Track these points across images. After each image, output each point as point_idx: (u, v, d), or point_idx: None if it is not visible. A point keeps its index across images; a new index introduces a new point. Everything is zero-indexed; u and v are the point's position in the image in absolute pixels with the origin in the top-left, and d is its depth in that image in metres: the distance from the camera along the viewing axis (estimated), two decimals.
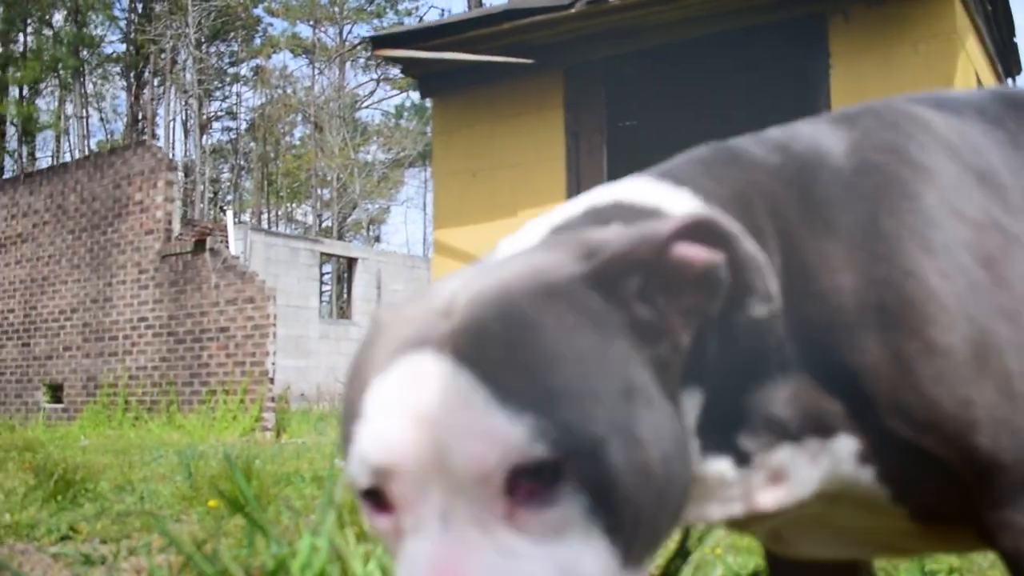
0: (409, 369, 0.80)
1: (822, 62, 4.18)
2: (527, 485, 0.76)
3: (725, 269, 0.82)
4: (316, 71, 43.28)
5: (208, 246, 10.15)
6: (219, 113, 40.78)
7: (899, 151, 0.94)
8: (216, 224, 15.38)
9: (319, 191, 41.95)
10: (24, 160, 31.70)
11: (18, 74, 29.76)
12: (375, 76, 43.58)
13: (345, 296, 18.41)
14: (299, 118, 43.38)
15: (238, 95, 43.72)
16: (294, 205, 46.21)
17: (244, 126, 44.03)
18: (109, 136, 36.97)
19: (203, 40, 31.43)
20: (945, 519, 0.94)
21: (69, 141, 33.48)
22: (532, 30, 4.50)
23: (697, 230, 0.82)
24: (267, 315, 9.65)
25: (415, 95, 42.98)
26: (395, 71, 41.21)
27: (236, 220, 14.87)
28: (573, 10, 4.26)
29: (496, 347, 0.78)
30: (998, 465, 0.87)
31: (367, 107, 43.88)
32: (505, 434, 0.75)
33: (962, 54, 4.09)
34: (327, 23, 41.45)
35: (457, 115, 5.14)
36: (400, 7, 37.77)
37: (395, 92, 43.73)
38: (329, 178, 38.05)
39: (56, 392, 11.71)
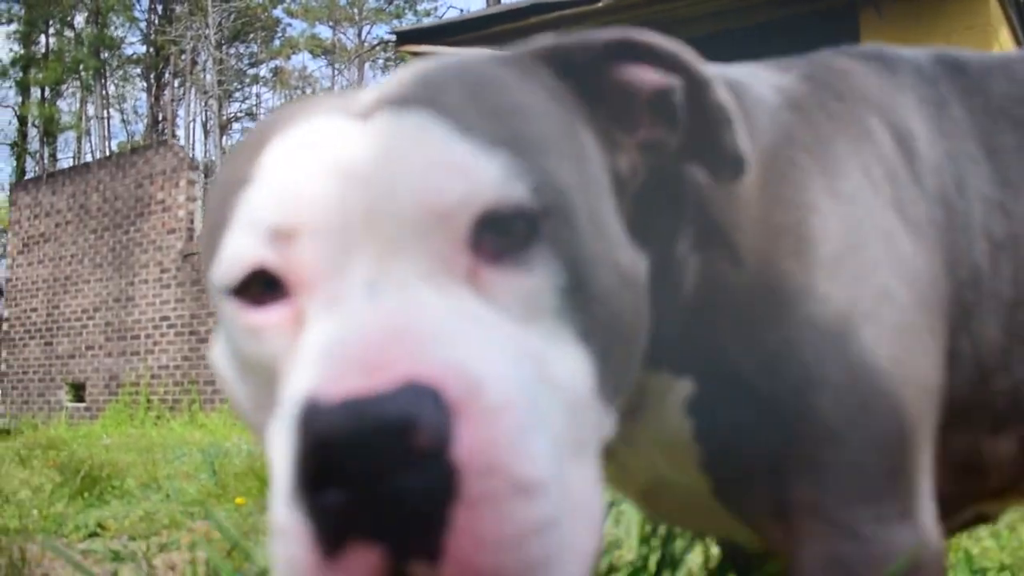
0: (323, 126, 0.65)
1: None
2: (495, 241, 0.62)
3: (682, 99, 0.77)
4: (335, 72, 43.49)
5: None
6: (239, 114, 41.00)
7: (817, 101, 0.92)
8: None
9: None
10: (46, 161, 31.95)
11: (40, 75, 29.98)
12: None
13: None
14: None
15: (258, 96, 43.99)
16: None
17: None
18: (130, 137, 37.24)
19: (223, 41, 31.56)
20: (743, 505, 0.87)
21: (91, 142, 33.69)
22: (558, 24, 4.47)
23: (645, 51, 0.77)
24: None
25: None
26: None
27: None
28: (600, 4, 4.23)
29: (453, 93, 0.66)
30: (826, 432, 0.80)
31: None
32: (476, 167, 0.61)
33: (995, 46, 4.03)
34: (346, 24, 41.60)
35: None
36: (419, 7, 37.80)
37: None
38: None
39: (78, 391, 11.77)
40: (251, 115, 44.77)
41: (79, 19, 31.78)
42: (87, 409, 11.48)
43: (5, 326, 12.54)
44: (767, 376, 0.81)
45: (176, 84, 34.87)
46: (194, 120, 37.11)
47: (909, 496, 0.80)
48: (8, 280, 12.76)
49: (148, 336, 10.91)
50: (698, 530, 1.13)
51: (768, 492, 0.82)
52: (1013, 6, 4.80)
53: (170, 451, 7.34)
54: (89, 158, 32.99)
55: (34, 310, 12.33)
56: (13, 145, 36.28)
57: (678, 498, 0.92)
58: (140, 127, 38.83)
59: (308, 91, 43.76)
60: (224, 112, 36.30)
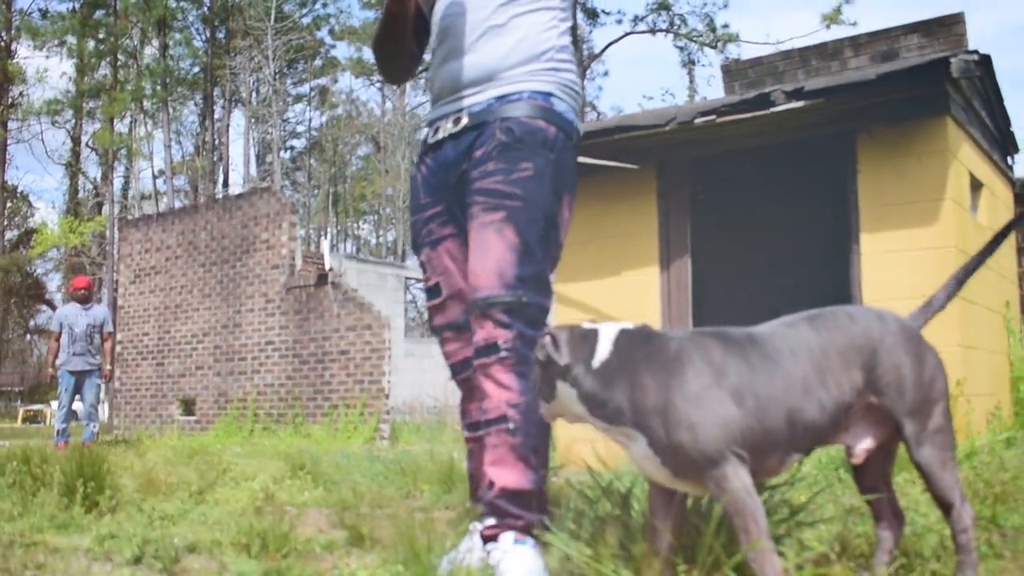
0: None
1: (851, 169, 5.63)
2: None
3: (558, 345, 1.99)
4: (380, 93, 45.12)
5: (329, 280, 11.76)
6: (284, 135, 42.59)
7: (685, 350, 2.08)
8: (315, 253, 17.06)
9: (384, 209, 43.74)
10: (99, 183, 33.84)
11: (107, 104, 31.85)
12: None
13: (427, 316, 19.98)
14: (363, 139, 45.28)
15: (304, 116, 45.68)
16: (355, 222, 48.14)
17: (305, 145, 46.09)
18: (184, 157, 39.00)
19: (279, 72, 33.33)
20: (681, 476, 2.01)
21: (152, 167, 35.44)
22: (636, 140, 6.01)
23: (559, 331, 2.03)
24: (383, 340, 11.22)
25: None
26: None
27: (332, 249, 16.49)
28: (667, 128, 5.76)
29: None
30: (696, 452, 1.93)
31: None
32: None
33: (954, 163, 5.48)
34: None
35: (577, 199, 6.66)
36: None
37: None
38: (392, 195, 39.65)
39: (188, 406, 13.40)
40: (296, 135, 46.58)
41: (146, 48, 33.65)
42: (197, 422, 13.10)
43: (119, 348, 14.19)
44: (667, 429, 2.03)
45: (225, 105, 36.46)
46: (244, 140, 38.88)
47: (726, 469, 1.97)
48: (121, 307, 14.44)
49: (254, 358, 12.50)
50: (665, 485, 2.21)
51: (691, 471, 2.19)
52: (976, 124, 6.27)
53: (310, 456, 8.85)
54: (163, 185, 34.79)
55: (146, 334, 13.98)
56: (67, 165, 38.27)
57: (657, 474, 2.11)
58: (189, 147, 40.70)
59: (353, 112, 45.50)
60: (272, 132, 37.89)
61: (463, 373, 2.72)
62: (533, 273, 2.43)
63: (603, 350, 2.05)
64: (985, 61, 6.09)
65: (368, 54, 43.14)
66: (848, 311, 2.17)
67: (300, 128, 46.57)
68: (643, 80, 63.56)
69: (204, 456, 8.38)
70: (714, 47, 30.33)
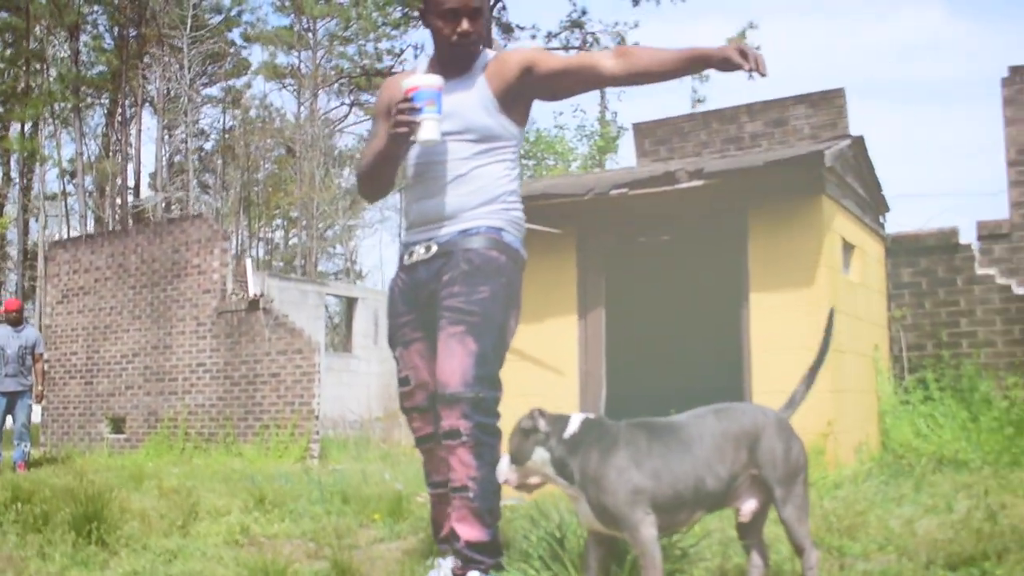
0: None
1: (743, 237, 6.56)
2: None
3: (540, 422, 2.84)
4: (292, 96, 45.15)
5: (261, 306, 12.32)
6: (194, 136, 42.19)
7: (621, 436, 2.89)
8: (239, 270, 17.47)
9: (293, 214, 43.83)
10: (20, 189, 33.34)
11: (20, 110, 31.48)
12: (347, 101, 45.61)
13: (346, 332, 20.50)
14: (275, 143, 45.25)
15: (215, 118, 45.35)
16: (267, 226, 48.08)
17: (215, 146, 45.83)
18: (91, 159, 38.49)
19: (194, 80, 33.31)
20: (608, 526, 2.83)
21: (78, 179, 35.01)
22: (558, 205, 6.84)
23: (544, 411, 2.88)
24: (313, 364, 11.84)
25: None
26: (367, 96, 43.32)
27: (255, 267, 16.99)
28: (586, 197, 6.61)
29: None
30: (616, 510, 2.76)
31: (339, 130, 45.43)
32: None
33: (829, 233, 6.45)
34: (300, 48, 42.95)
35: None
36: (380, 46, 39.29)
37: (367, 118, 45.82)
38: (302, 200, 39.77)
39: (118, 424, 13.77)
40: (203, 134, 46.23)
41: (57, 50, 33.23)
42: (127, 440, 13.49)
43: (46, 367, 14.45)
44: (598, 492, 2.83)
45: (130, 103, 35.99)
46: (147, 137, 38.59)
47: (637, 524, 2.80)
48: (48, 326, 14.71)
49: (185, 379, 12.97)
50: (600, 532, 3.01)
51: (613, 523, 3.00)
52: (850, 195, 7.27)
53: (247, 479, 9.40)
54: (70, 186, 34.38)
55: (74, 353, 14.28)
56: None
57: (593, 524, 2.94)
58: (94, 146, 40.09)
59: (264, 115, 45.45)
60: (177, 132, 37.51)
61: (426, 445, 3.45)
62: (487, 374, 3.18)
63: (572, 428, 2.88)
64: (859, 141, 7.10)
65: (282, 59, 43.25)
66: (741, 407, 3.04)
67: (210, 130, 46.34)
68: None
69: (154, 481, 8.91)
70: None
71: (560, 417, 2.91)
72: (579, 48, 32.48)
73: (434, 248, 3.29)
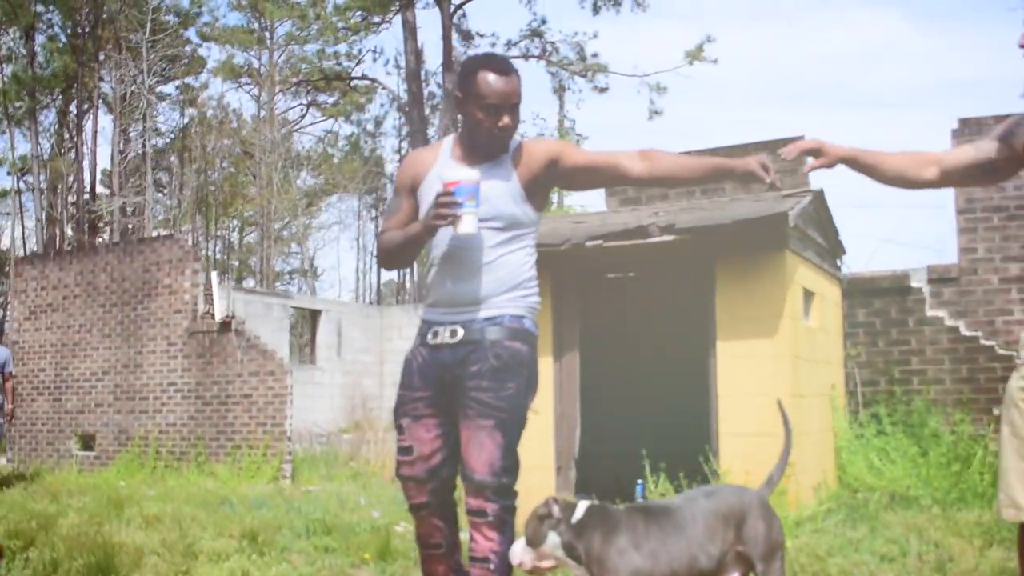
0: None
1: (711, 288, 6.94)
2: None
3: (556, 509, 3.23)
4: (250, 97, 44.92)
5: (233, 328, 12.51)
6: (143, 138, 41.78)
7: (621, 521, 3.29)
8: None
9: (247, 213, 43.64)
10: None
11: None
12: (304, 102, 45.55)
13: (310, 343, 20.67)
14: (231, 144, 44.97)
15: (170, 116, 44.92)
16: (224, 225, 47.79)
17: (167, 144, 45.38)
18: (43, 156, 37.93)
19: (153, 87, 33.07)
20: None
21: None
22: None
23: (549, 500, 3.28)
24: (285, 386, 12.06)
25: (344, 123, 45.18)
26: (324, 96, 43.29)
27: (219, 281, 17.06)
28: (562, 247, 6.95)
29: None
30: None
31: (296, 131, 45.31)
32: None
33: (792, 285, 6.89)
34: (258, 47, 42.73)
35: None
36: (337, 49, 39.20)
37: (324, 118, 45.79)
38: (257, 201, 39.61)
39: (88, 441, 13.85)
40: (158, 132, 45.80)
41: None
42: (96, 457, 13.58)
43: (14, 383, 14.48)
44: (601, 571, 3.21)
45: (89, 107, 35.59)
46: (101, 136, 38.09)
47: None
48: (15, 343, 14.73)
49: (156, 398, 13.09)
50: None
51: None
52: (811, 244, 7.70)
53: (225, 502, 9.59)
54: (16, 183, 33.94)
55: (42, 370, 14.33)
56: None
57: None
58: (47, 144, 39.50)
59: (219, 114, 45.12)
60: (132, 130, 37.11)
61: (420, 513, 3.67)
62: (512, 463, 3.46)
63: (578, 514, 3.23)
64: (819, 195, 7.53)
65: (240, 58, 42.90)
66: (728, 489, 3.45)
67: (166, 129, 45.87)
68: None
69: (135, 508, 9.06)
70: (584, 76, 31.93)
71: (570, 504, 3.26)
72: (539, 57, 32.85)
73: (460, 334, 3.48)
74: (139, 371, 13.29)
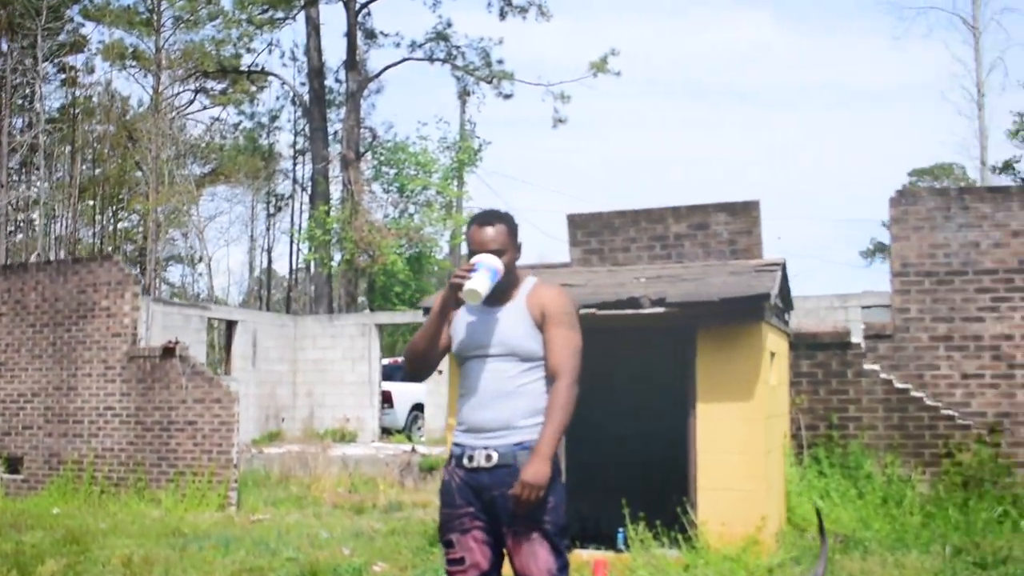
0: None
1: (693, 354, 7.53)
2: None
3: None
4: (136, 83, 43.54)
5: (177, 353, 12.50)
6: (33, 128, 40.17)
7: None
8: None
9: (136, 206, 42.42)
10: None
11: None
12: (192, 87, 44.47)
13: (225, 354, 20.54)
14: (113, 128, 43.54)
15: (51, 98, 43.19)
16: (111, 215, 46.30)
17: (47, 128, 43.60)
18: None
19: (46, 76, 31.84)
20: None
21: None
22: None
23: None
24: (232, 414, 12.13)
25: (231, 111, 44.38)
26: (212, 83, 42.39)
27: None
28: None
29: None
30: None
31: (185, 115, 44.24)
32: None
33: (765, 352, 7.55)
34: (144, 29, 41.51)
35: None
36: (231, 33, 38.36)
37: (214, 105, 44.83)
38: (144, 188, 38.57)
39: (14, 464, 13.55)
40: (34, 112, 43.94)
41: None
42: (24, 481, 13.31)
43: None
44: None
45: None
46: None
47: None
48: None
49: (92, 421, 12.91)
50: None
51: None
52: (774, 310, 8.39)
53: (182, 536, 9.62)
54: None
55: None
56: None
57: None
58: None
59: (102, 98, 43.62)
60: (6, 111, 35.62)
61: None
62: (564, 563, 3.92)
63: None
64: (782, 265, 8.22)
65: (128, 40, 41.54)
66: None
67: (49, 110, 44.04)
68: (419, 105, 65.50)
69: (102, 549, 9.04)
70: (490, 82, 32.33)
71: None
72: (444, 61, 33.04)
73: (495, 458, 3.90)
74: (73, 394, 13.10)
